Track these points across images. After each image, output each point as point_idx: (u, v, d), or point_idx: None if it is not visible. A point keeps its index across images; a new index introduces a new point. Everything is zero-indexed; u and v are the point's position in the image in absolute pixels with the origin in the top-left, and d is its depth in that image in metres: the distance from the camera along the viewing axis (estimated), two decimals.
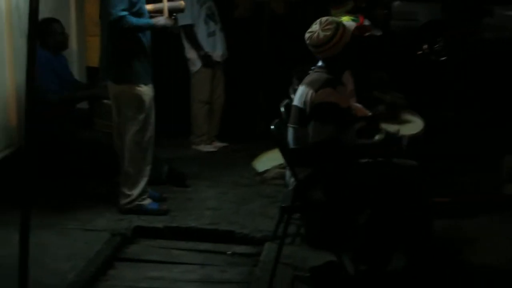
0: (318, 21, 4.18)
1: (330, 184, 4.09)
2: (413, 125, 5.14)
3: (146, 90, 5.06)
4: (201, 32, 6.88)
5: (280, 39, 7.53)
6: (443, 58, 10.77)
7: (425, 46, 11.35)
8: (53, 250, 4.51)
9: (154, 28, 5.07)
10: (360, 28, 4.95)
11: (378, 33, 5.29)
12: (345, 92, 4.24)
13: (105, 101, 5.53)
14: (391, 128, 4.95)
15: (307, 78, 4.19)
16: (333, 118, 4.03)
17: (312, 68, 4.24)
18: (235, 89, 7.45)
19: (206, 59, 6.89)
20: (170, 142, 6.97)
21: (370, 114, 4.62)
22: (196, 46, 6.87)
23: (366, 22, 5.17)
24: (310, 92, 4.06)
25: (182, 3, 5.21)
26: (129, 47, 4.98)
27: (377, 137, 4.89)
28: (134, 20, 4.87)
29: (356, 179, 4.10)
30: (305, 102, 4.08)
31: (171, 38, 6.97)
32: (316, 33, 4.10)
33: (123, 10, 4.81)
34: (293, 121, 4.20)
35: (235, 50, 7.30)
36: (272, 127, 4.18)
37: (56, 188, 5.54)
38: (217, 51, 6.99)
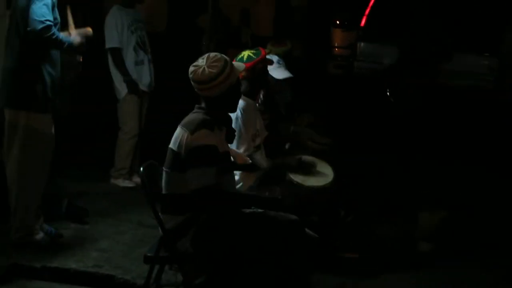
0: (205, 55, 3.86)
1: (200, 235, 3.74)
2: (322, 177, 4.79)
3: (42, 118, 4.77)
4: (129, 59, 6.55)
5: None
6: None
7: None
8: None
9: (71, 46, 4.82)
10: (264, 61, 4.64)
11: (280, 76, 4.94)
12: (223, 136, 3.90)
13: None
14: (297, 178, 4.63)
15: (184, 119, 3.86)
16: (214, 161, 3.69)
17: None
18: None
19: (132, 86, 6.55)
20: (84, 174, 6.61)
21: (250, 162, 4.28)
22: (123, 71, 6.53)
23: (271, 57, 4.86)
24: (186, 134, 3.73)
25: (89, 29, 4.99)
26: (38, 69, 4.71)
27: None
28: (59, 34, 4.69)
29: (230, 231, 3.76)
30: (179, 145, 3.75)
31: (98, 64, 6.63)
32: (202, 68, 3.78)
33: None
34: (166, 165, 3.85)
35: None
36: (141, 168, 3.85)
37: None
38: (144, 81, 6.66)
